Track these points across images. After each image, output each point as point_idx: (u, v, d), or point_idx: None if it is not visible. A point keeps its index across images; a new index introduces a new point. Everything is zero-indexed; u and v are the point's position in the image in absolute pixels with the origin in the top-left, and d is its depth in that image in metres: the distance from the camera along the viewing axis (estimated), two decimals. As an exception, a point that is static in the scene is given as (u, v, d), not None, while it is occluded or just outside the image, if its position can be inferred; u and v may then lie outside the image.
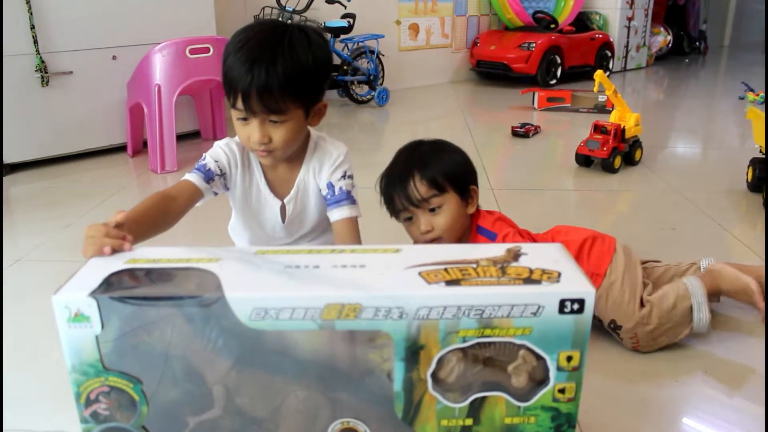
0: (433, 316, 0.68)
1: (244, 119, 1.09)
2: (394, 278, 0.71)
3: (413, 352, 0.70)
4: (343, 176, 1.23)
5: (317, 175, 1.24)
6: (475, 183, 1.34)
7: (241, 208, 1.27)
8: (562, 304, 0.67)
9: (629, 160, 2.63)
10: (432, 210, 1.27)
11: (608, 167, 2.53)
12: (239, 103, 1.06)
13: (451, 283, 0.69)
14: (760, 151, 2.22)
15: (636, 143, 2.65)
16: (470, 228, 1.34)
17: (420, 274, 0.71)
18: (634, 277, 1.29)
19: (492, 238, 1.30)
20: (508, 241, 1.27)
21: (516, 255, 0.76)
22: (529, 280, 0.70)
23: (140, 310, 0.69)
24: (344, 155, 1.24)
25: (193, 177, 1.16)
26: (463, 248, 0.80)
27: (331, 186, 1.22)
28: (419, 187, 1.25)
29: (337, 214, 1.21)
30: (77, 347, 0.71)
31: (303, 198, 1.26)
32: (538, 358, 0.70)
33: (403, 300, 0.67)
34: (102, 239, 0.79)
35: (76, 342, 0.71)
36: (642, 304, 1.25)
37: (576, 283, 0.68)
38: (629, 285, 1.27)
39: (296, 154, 1.22)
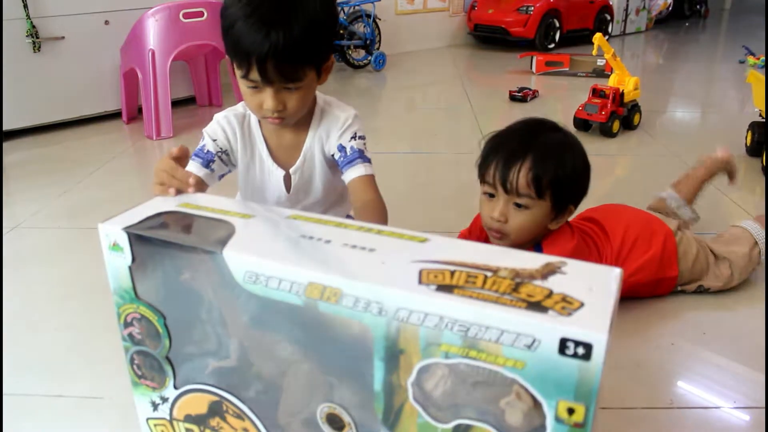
0: (413, 320, 0.61)
1: (255, 87, 1.03)
2: (389, 270, 0.65)
3: (393, 355, 0.64)
4: (354, 137, 1.16)
5: (326, 142, 1.18)
6: (577, 202, 1.21)
7: (244, 181, 1.23)
8: (563, 343, 0.55)
9: (628, 125, 2.62)
10: (517, 205, 1.14)
11: (606, 131, 2.51)
12: (253, 74, 0.99)
13: (443, 288, 0.60)
14: (760, 115, 2.21)
15: (635, 107, 2.63)
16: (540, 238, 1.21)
17: (420, 271, 0.64)
18: (700, 241, 1.36)
19: None
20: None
21: (550, 271, 0.63)
22: (536, 305, 0.58)
23: (165, 251, 0.73)
24: (352, 118, 1.17)
25: (192, 166, 1.11)
26: (496, 251, 0.68)
27: (341, 148, 1.15)
28: (521, 178, 1.11)
29: (352, 173, 1.13)
30: (115, 273, 0.78)
31: (309, 168, 1.20)
32: (536, 400, 0.59)
33: (383, 296, 0.61)
34: (170, 180, 0.83)
35: (115, 268, 0.78)
36: (715, 256, 1.35)
37: (589, 323, 0.55)
38: (704, 252, 1.34)
39: (302, 120, 1.16)
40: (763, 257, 1.39)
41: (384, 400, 0.67)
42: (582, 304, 0.58)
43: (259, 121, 1.18)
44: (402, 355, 0.63)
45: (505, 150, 1.14)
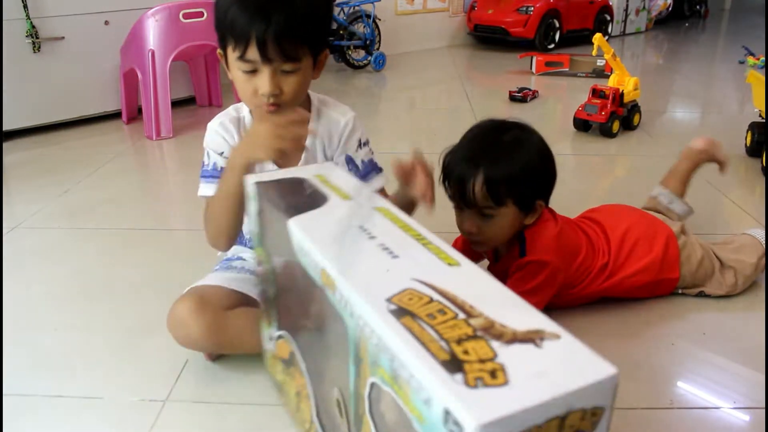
0: (367, 333, 0.58)
1: (251, 71, 1.00)
2: (383, 278, 0.63)
3: (358, 360, 0.62)
4: (359, 145, 1.15)
5: (327, 147, 1.15)
6: (545, 195, 1.20)
7: None
8: (446, 414, 0.46)
9: (627, 125, 2.62)
10: (483, 215, 1.15)
11: (606, 132, 2.51)
12: (251, 53, 0.96)
13: (399, 311, 0.57)
14: (760, 116, 2.21)
15: (634, 108, 2.63)
16: (519, 235, 1.19)
17: (404, 289, 0.61)
18: (705, 247, 1.35)
19: (522, 256, 1.18)
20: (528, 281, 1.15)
21: (528, 338, 0.53)
22: (454, 364, 0.49)
23: (272, 208, 0.85)
24: (352, 121, 1.16)
25: (207, 189, 1.10)
26: (510, 300, 0.60)
27: (350, 161, 1.13)
28: (477, 193, 1.11)
29: None
30: (251, 219, 0.92)
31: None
32: None
33: (353, 300, 0.61)
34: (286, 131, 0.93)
35: (251, 214, 0.91)
36: (721, 263, 1.33)
37: (479, 405, 0.45)
38: (708, 257, 1.33)
39: None
40: (763, 261, 1.37)
41: (353, 404, 0.66)
42: (505, 383, 0.47)
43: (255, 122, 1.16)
44: (361, 365, 0.62)
45: (457, 166, 1.14)
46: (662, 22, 6.38)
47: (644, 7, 5.90)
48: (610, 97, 2.49)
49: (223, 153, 1.12)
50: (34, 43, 2.58)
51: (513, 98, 3.18)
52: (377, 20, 4.18)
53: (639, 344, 1.20)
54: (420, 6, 4.93)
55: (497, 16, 4.83)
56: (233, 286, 1.11)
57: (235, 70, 1.02)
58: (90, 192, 2.04)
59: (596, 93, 2.54)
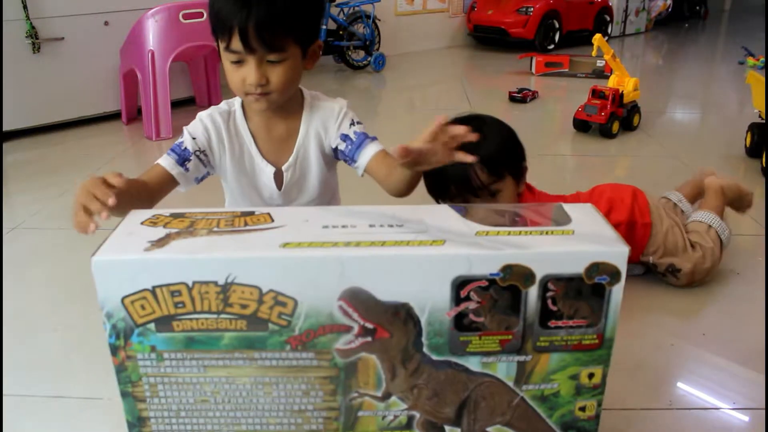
0: None
1: (238, 62, 1.01)
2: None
3: None
4: (353, 123, 1.14)
5: (324, 137, 1.15)
6: (524, 158, 1.30)
7: (237, 180, 1.17)
8: None
9: (627, 126, 2.62)
10: (492, 195, 1.23)
11: (606, 132, 2.51)
12: (235, 43, 0.98)
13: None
14: (759, 116, 2.21)
15: (634, 108, 2.63)
16: None
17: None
18: (678, 222, 1.40)
19: None
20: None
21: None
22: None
23: None
24: (346, 106, 1.16)
25: (165, 161, 1.09)
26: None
27: (345, 137, 1.13)
28: (480, 175, 1.20)
29: (366, 154, 1.11)
30: None
31: (303, 164, 1.17)
32: None
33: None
34: (89, 201, 0.84)
35: None
36: (692, 246, 1.38)
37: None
38: (680, 230, 1.39)
39: (292, 112, 1.14)
40: (724, 237, 1.42)
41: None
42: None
43: (246, 116, 1.15)
44: None
45: (448, 169, 1.08)
46: (662, 22, 6.38)
47: (644, 8, 5.90)
48: (610, 98, 2.49)
49: (196, 139, 1.11)
50: (33, 43, 2.58)
51: (513, 99, 3.18)
52: (377, 21, 4.18)
53: (639, 345, 1.20)
54: (420, 6, 4.94)
55: (497, 16, 4.83)
56: None
57: (225, 60, 1.03)
58: (90, 192, 2.04)
59: (596, 94, 2.54)
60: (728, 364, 1.15)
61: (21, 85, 2.60)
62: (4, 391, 1.09)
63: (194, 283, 0.68)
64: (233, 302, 0.68)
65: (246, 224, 0.73)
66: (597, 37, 2.54)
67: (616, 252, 0.69)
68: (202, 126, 1.13)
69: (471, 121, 1.22)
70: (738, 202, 1.58)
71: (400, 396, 0.75)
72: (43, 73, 2.65)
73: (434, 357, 0.72)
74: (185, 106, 3.12)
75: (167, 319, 0.70)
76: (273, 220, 0.75)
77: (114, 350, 0.73)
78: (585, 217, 0.77)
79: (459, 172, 1.19)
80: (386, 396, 0.75)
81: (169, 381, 0.74)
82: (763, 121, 2.18)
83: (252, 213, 0.77)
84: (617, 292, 0.71)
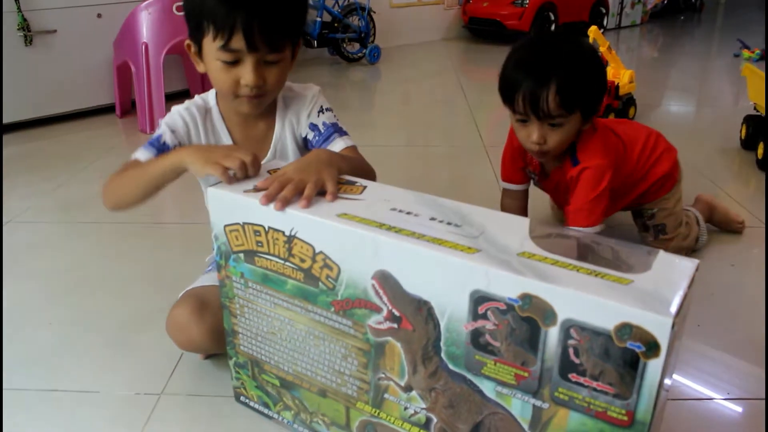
0: None
1: (233, 62, 0.96)
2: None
3: None
4: (321, 111, 1.10)
5: (296, 127, 1.11)
6: (601, 101, 1.26)
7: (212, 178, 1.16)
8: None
9: (623, 118, 2.62)
10: (551, 125, 1.18)
11: (601, 125, 2.51)
12: (236, 42, 0.92)
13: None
14: (754, 108, 2.21)
15: (629, 100, 2.63)
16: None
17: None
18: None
19: (575, 165, 1.25)
20: (586, 176, 1.23)
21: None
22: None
23: None
24: (316, 92, 1.12)
25: (141, 154, 1.05)
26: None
27: (313, 126, 1.09)
28: (550, 103, 1.14)
29: (333, 149, 1.05)
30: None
31: (282, 159, 1.12)
32: None
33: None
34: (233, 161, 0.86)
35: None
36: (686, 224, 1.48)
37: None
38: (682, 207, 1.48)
39: (267, 109, 1.09)
40: (701, 238, 1.52)
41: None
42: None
43: (222, 114, 1.11)
44: None
45: (528, 77, 1.16)
46: (658, 15, 6.38)
47: (639, 0, 5.90)
48: (606, 90, 2.48)
49: (175, 132, 1.07)
50: (26, 36, 2.56)
51: (508, 91, 3.17)
52: (372, 13, 4.17)
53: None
54: (415, -1, 4.92)
55: (492, 8, 4.82)
56: None
57: (213, 60, 0.97)
58: (84, 186, 2.03)
59: (591, 86, 2.53)
60: (722, 355, 1.15)
61: (13, 78, 2.58)
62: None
63: (269, 228, 0.80)
64: (295, 253, 0.79)
65: (340, 191, 0.82)
66: (592, 29, 2.53)
67: (654, 319, 0.56)
68: (181, 120, 1.09)
69: (562, 41, 1.22)
70: (725, 224, 1.62)
71: (420, 393, 0.76)
72: (36, 66, 2.64)
73: (451, 366, 0.71)
74: (179, 99, 3.10)
75: (252, 253, 0.83)
76: (361, 194, 0.82)
77: (218, 267, 0.89)
78: (672, 273, 0.63)
79: (532, 87, 1.15)
80: (408, 388, 0.77)
81: (251, 307, 0.88)
82: (758, 114, 2.18)
83: (353, 183, 0.85)
84: (655, 368, 0.57)
